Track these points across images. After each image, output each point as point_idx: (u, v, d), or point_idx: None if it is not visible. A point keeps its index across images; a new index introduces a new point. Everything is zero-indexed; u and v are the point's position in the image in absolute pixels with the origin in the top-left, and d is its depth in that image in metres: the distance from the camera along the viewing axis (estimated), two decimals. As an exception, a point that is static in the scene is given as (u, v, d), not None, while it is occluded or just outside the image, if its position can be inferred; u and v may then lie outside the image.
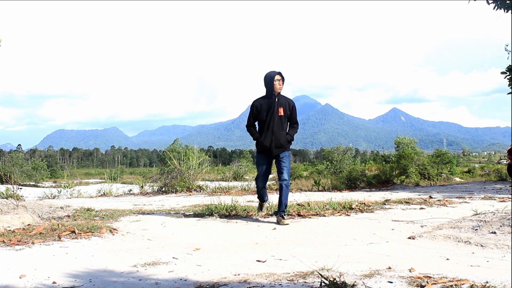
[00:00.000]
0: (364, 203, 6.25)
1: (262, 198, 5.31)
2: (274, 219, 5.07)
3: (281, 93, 5.05)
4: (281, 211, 4.90)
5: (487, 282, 2.34)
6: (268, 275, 2.63)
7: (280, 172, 5.00)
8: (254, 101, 5.06)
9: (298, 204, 6.05)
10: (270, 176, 6.79)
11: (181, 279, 2.61)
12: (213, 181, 13.79)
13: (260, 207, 5.38)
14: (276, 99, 4.95)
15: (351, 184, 10.96)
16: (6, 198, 6.24)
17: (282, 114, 4.94)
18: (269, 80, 4.92)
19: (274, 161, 5.09)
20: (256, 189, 5.38)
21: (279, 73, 4.96)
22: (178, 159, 10.56)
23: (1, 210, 4.88)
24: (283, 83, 5.01)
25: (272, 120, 4.90)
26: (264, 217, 5.23)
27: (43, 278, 2.64)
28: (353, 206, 5.89)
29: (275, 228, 4.54)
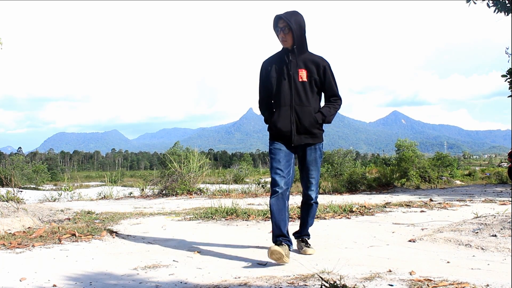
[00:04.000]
0: (364, 206, 6.24)
1: (278, 225, 3.11)
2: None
3: (308, 51, 3.26)
4: (304, 234, 3.50)
5: (487, 285, 2.33)
6: (268, 278, 2.63)
7: (306, 181, 3.33)
8: (264, 62, 3.33)
9: (299, 207, 6.03)
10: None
11: (181, 282, 2.61)
12: (214, 184, 13.80)
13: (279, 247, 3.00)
14: (290, 57, 3.19)
15: (352, 187, 10.96)
16: (7, 201, 6.25)
17: (305, 79, 3.16)
18: (274, 29, 3.22)
19: (297, 156, 3.34)
20: (269, 203, 3.18)
21: (282, 17, 3.11)
22: (179, 162, 10.56)
23: (1, 213, 4.88)
24: (291, 33, 3.12)
25: (289, 90, 3.16)
26: (265, 220, 5.22)
27: (44, 281, 2.64)
28: (353, 209, 5.88)
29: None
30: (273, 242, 3.09)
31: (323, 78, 3.22)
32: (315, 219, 5.20)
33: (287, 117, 3.16)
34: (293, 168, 3.27)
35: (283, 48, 3.23)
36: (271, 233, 3.19)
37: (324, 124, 3.30)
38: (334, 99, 3.29)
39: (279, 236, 3.09)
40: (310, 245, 3.48)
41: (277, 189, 3.13)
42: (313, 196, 3.37)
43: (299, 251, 3.47)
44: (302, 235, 3.51)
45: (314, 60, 3.21)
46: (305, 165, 3.30)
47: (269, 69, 3.25)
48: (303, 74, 3.18)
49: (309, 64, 3.20)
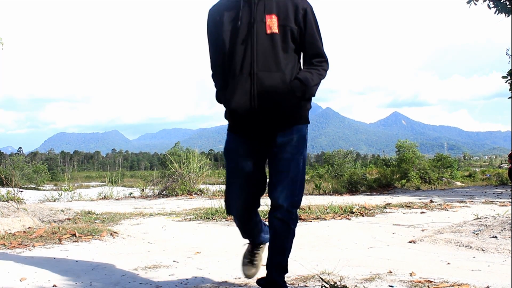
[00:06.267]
0: (365, 207, 6.24)
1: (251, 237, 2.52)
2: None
3: None
4: (274, 278, 2.16)
5: (488, 287, 2.34)
6: (268, 279, 2.62)
7: (275, 184, 2.15)
8: (211, 9, 2.24)
9: (299, 208, 6.03)
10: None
11: (181, 283, 2.61)
12: (214, 184, 13.79)
13: (251, 258, 2.55)
14: None
15: (352, 187, 10.96)
16: (7, 201, 6.25)
17: (275, 30, 2.09)
18: None
19: (268, 153, 2.20)
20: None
21: None
22: (179, 163, 10.56)
23: (1, 213, 4.89)
24: None
25: (250, 48, 2.08)
26: (265, 220, 5.22)
27: (44, 281, 2.64)
28: (354, 210, 5.88)
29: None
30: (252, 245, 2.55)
31: (303, 28, 2.13)
32: (315, 220, 5.21)
33: (245, 91, 2.06)
34: (262, 170, 2.23)
35: None
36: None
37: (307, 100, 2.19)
38: (318, 61, 2.17)
39: (256, 244, 2.55)
40: None
41: (231, 209, 2.31)
42: (283, 200, 2.11)
43: None
44: (271, 277, 2.16)
45: (290, 2, 2.13)
46: (279, 153, 2.14)
47: (218, 19, 2.16)
48: (272, 23, 2.09)
49: (281, 7, 2.11)
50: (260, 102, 2.05)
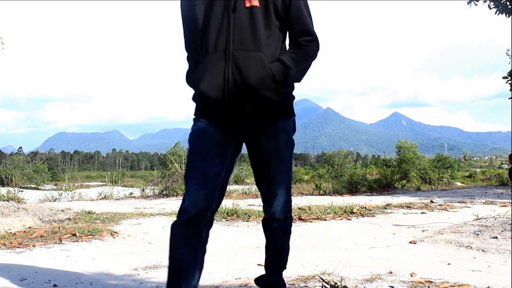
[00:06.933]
0: (365, 207, 6.24)
1: (177, 277, 1.97)
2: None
3: None
4: (272, 284, 2.04)
5: (488, 287, 2.33)
6: (269, 279, 2.63)
7: (266, 188, 1.95)
8: None
9: (299, 208, 6.04)
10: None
11: (182, 283, 2.61)
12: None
13: None
14: None
15: (352, 188, 10.96)
16: (7, 200, 6.25)
17: (256, 3, 1.80)
18: None
19: (245, 144, 1.98)
20: (171, 230, 1.89)
21: None
22: (179, 163, 10.56)
23: (2, 212, 4.88)
24: None
25: (226, 24, 1.80)
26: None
27: (44, 281, 2.64)
28: (354, 210, 5.88)
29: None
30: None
31: (288, 2, 1.85)
32: (315, 220, 5.21)
33: (218, 72, 1.77)
34: (228, 169, 1.90)
35: None
36: None
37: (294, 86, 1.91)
38: (306, 40, 1.87)
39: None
40: None
41: (187, 207, 1.78)
42: (279, 213, 1.95)
43: None
44: (270, 284, 2.04)
45: None
46: (260, 159, 1.92)
47: None
48: None
49: None
50: (235, 86, 1.76)
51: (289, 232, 2.05)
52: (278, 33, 1.86)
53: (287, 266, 2.09)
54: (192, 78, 1.92)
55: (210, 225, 1.89)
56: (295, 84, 1.93)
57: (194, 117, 1.93)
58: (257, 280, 2.16)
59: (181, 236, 1.84)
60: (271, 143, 1.88)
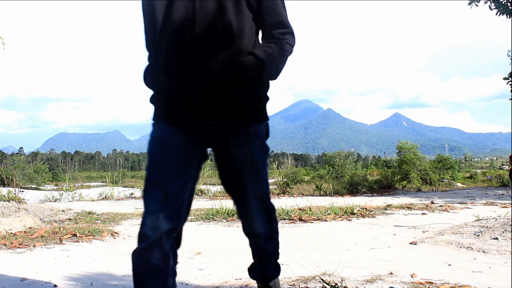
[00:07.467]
0: (365, 208, 6.23)
1: None
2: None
3: None
4: (264, 278, 1.97)
5: (489, 288, 2.33)
6: (269, 279, 2.62)
7: (241, 201, 1.76)
8: None
9: (300, 209, 6.03)
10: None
11: (182, 283, 2.61)
12: (215, 185, 13.79)
13: None
14: None
15: (353, 189, 10.96)
16: (8, 201, 6.25)
17: None
18: None
19: (212, 150, 1.75)
20: (132, 259, 1.56)
21: None
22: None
23: (3, 213, 4.89)
24: None
25: (191, 14, 1.56)
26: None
27: (44, 281, 2.64)
28: (354, 211, 5.87)
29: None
30: None
31: None
32: (316, 221, 5.20)
33: (182, 69, 1.56)
34: (194, 179, 1.69)
35: None
36: None
37: (269, 86, 1.71)
38: (280, 33, 1.66)
39: None
40: None
41: (147, 233, 1.56)
42: (260, 228, 1.78)
43: None
44: (263, 277, 1.97)
45: None
46: (231, 168, 1.71)
47: None
48: None
49: None
50: (201, 84, 1.54)
51: (276, 238, 1.87)
52: (251, 24, 1.64)
53: (282, 265, 2.02)
54: (151, 77, 1.69)
55: (178, 245, 1.67)
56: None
57: (152, 122, 1.68)
58: (251, 274, 2.03)
59: (145, 266, 1.54)
60: (244, 150, 1.65)
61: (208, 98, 1.55)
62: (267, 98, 1.70)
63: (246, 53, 1.59)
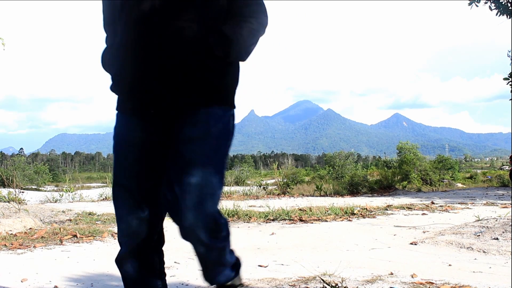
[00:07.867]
0: (366, 209, 6.23)
1: None
2: (276, 224, 5.04)
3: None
4: (218, 283, 1.75)
5: (489, 289, 2.33)
6: (269, 280, 2.62)
7: (183, 208, 1.49)
8: None
9: (300, 209, 6.03)
10: None
11: (182, 284, 2.61)
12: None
13: None
14: None
15: (353, 189, 10.95)
16: (8, 201, 6.26)
17: None
18: None
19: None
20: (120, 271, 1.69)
21: None
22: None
23: (3, 213, 4.89)
24: None
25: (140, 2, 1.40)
26: (266, 222, 5.22)
27: (45, 282, 2.64)
28: (355, 212, 5.87)
29: (274, 233, 4.53)
30: None
31: None
32: (316, 222, 5.21)
33: (138, 46, 1.41)
34: (168, 171, 1.47)
35: None
36: None
37: (237, 67, 1.53)
38: (251, 11, 1.50)
39: None
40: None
41: (124, 240, 1.64)
42: (206, 237, 1.60)
43: None
44: (216, 282, 1.74)
45: None
46: (177, 145, 1.44)
47: None
48: None
49: None
50: (160, 64, 1.39)
51: (224, 246, 1.63)
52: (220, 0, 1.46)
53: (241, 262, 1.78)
54: (107, 60, 1.52)
55: (161, 243, 1.54)
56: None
57: (116, 112, 1.52)
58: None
59: (131, 273, 1.49)
60: (199, 128, 1.42)
61: (167, 80, 1.39)
62: (236, 81, 1.52)
63: (213, 31, 1.42)
